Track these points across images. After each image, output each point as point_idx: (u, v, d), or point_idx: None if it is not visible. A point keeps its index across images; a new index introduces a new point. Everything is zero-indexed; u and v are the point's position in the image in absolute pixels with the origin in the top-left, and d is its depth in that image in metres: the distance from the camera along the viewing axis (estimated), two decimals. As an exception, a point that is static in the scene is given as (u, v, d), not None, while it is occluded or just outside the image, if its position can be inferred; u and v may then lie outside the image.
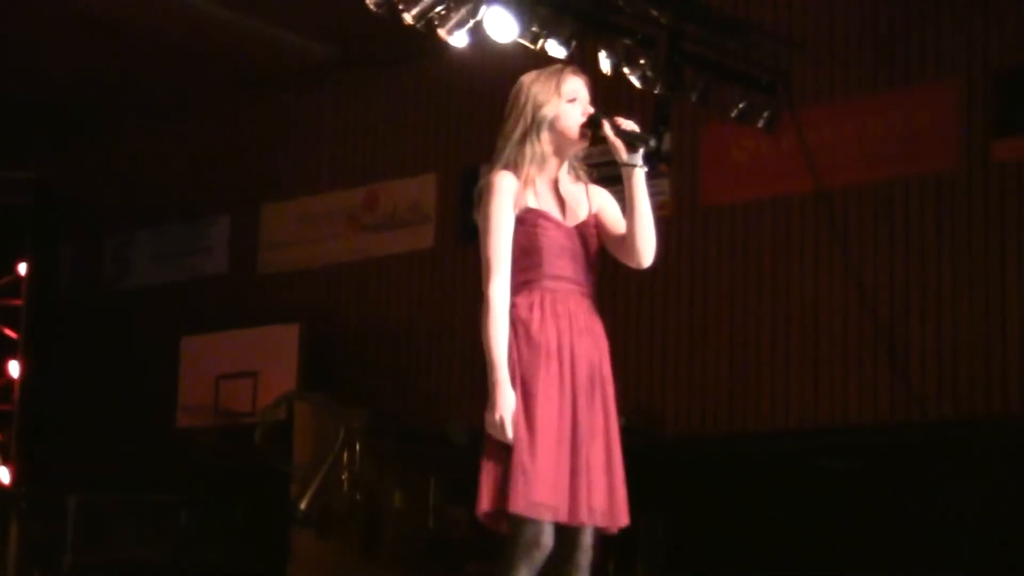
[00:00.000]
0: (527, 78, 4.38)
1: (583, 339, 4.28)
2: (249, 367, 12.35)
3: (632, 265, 4.37)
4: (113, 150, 14.52)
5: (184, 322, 13.17)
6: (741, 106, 9.68)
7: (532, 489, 4.07)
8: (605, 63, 8.96)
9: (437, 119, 12.47)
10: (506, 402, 4.12)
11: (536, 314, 4.23)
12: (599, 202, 4.40)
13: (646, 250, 4.36)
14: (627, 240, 4.34)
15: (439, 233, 12.27)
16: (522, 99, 4.33)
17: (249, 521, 11.73)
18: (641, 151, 4.25)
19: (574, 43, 8.80)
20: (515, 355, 4.19)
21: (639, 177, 4.28)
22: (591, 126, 4.28)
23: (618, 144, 4.27)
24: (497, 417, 4.12)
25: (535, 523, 4.10)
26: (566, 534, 4.19)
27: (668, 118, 9.75)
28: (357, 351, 12.50)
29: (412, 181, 12.54)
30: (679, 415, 10.78)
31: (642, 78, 9.17)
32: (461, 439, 10.49)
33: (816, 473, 10.41)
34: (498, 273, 4.22)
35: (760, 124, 9.83)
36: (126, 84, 13.37)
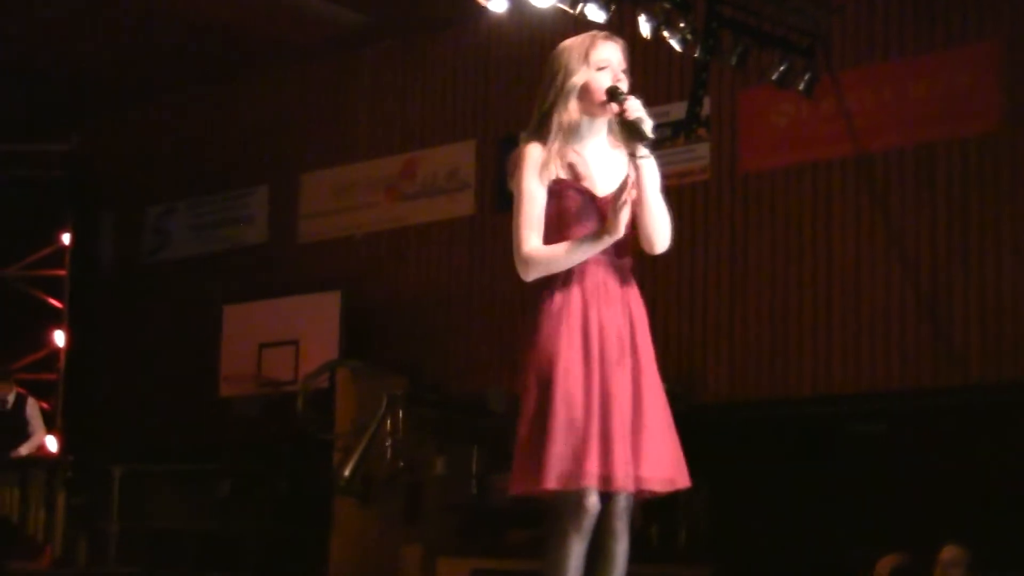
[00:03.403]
0: (561, 46, 4.34)
1: (613, 309, 4.25)
2: (290, 336, 12.40)
3: (645, 250, 4.32)
4: (152, 122, 14.58)
5: (225, 291, 13.23)
6: (780, 70, 9.64)
7: (560, 461, 4.08)
8: (645, 27, 8.93)
9: (475, 86, 12.45)
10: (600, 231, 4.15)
11: (560, 290, 4.22)
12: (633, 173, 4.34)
13: (657, 239, 4.29)
14: (638, 227, 4.29)
15: (479, 200, 12.27)
16: (554, 67, 4.30)
17: (292, 489, 11.79)
18: (643, 142, 4.17)
19: (613, 7, 8.77)
20: (540, 333, 4.20)
21: (645, 167, 4.20)
22: (608, 98, 4.22)
23: (621, 130, 4.23)
24: (617, 220, 4.11)
25: (577, 489, 4.11)
26: (601, 501, 4.19)
27: (707, 82, 9.73)
28: (397, 319, 12.53)
29: (451, 148, 12.53)
30: (720, 381, 10.77)
31: (681, 42, 9.14)
32: (500, 406, 10.52)
33: (859, 438, 10.39)
34: (528, 239, 4.20)
35: (800, 88, 9.78)
36: (164, 56, 13.41)
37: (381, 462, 10.66)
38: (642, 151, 4.19)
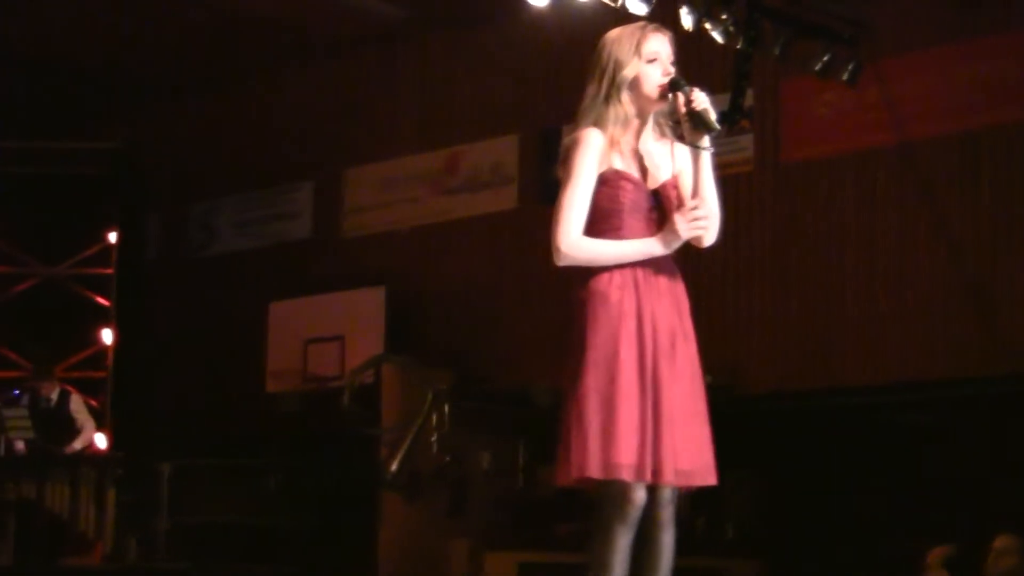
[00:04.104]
0: (609, 36, 4.35)
1: (664, 301, 4.26)
2: (336, 331, 12.44)
3: (693, 243, 4.33)
4: (197, 118, 14.65)
5: (271, 287, 13.29)
6: (823, 60, 9.60)
7: (613, 451, 4.09)
8: (686, 19, 8.91)
9: (517, 80, 12.45)
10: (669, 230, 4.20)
11: (615, 280, 4.22)
12: (681, 164, 4.35)
13: (708, 232, 4.31)
14: None
15: (522, 194, 12.27)
16: (603, 59, 4.30)
17: (338, 484, 11.84)
18: (711, 133, 4.18)
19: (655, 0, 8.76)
20: (596, 325, 4.20)
21: (704, 158, 4.23)
22: (671, 90, 4.24)
23: (686, 121, 4.23)
24: (682, 232, 4.19)
25: (623, 480, 4.12)
26: (647, 491, 4.20)
27: (749, 73, 9.70)
28: (442, 313, 12.55)
29: (493, 143, 12.54)
30: (765, 372, 10.74)
31: (723, 33, 9.12)
32: (545, 401, 10.53)
33: (906, 428, 10.34)
34: (569, 223, 4.20)
35: (843, 77, 9.74)
36: (209, 53, 13.47)
37: (427, 456, 10.69)
38: (705, 142, 4.20)
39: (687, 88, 4.19)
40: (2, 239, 14.08)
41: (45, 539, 11.12)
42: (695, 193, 4.25)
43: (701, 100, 4.18)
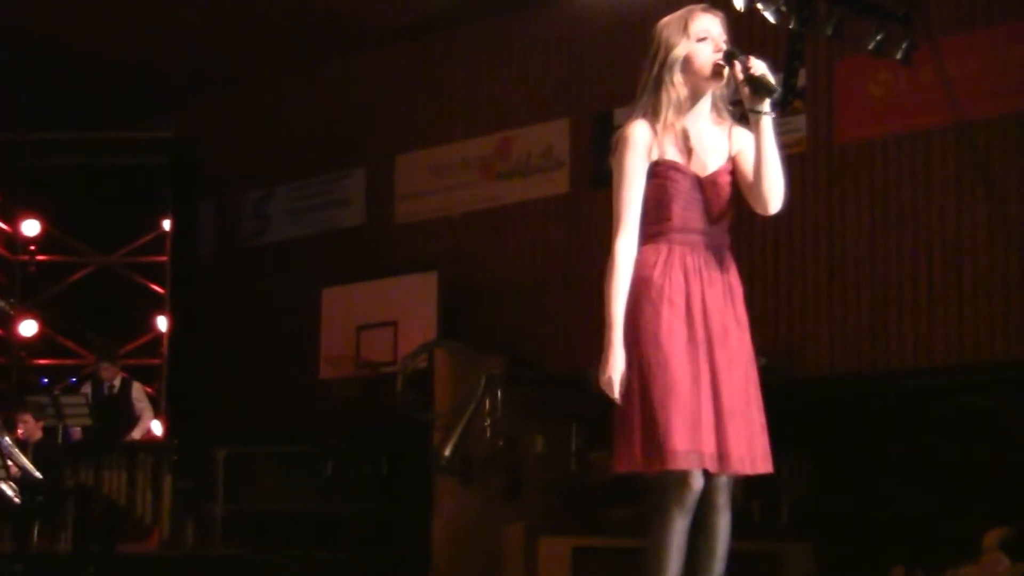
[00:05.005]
0: (661, 22, 4.36)
1: (714, 289, 4.25)
2: (389, 317, 12.47)
3: (759, 211, 4.33)
4: (249, 107, 14.71)
5: (324, 274, 13.34)
6: (877, 39, 9.51)
7: (670, 439, 4.08)
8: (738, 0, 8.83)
9: (568, 64, 12.42)
10: (616, 363, 4.20)
11: (660, 268, 4.22)
12: (739, 145, 4.34)
13: (772, 198, 4.30)
14: (754, 187, 4.28)
15: (574, 178, 12.25)
16: (655, 43, 4.31)
17: (392, 470, 11.87)
18: (772, 94, 4.16)
19: (705, -19, 8.69)
20: (640, 312, 4.19)
21: (765, 123, 4.20)
22: (726, 62, 4.22)
23: (745, 88, 4.21)
24: (606, 377, 4.21)
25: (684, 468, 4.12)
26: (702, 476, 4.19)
27: (802, 53, 9.62)
28: (494, 298, 12.56)
29: (545, 127, 12.52)
30: (820, 355, 10.68)
31: (776, 13, 9.04)
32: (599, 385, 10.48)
33: (962, 411, 10.25)
34: (626, 228, 4.23)
35: (897, 56, 9.64)
36: (260, 42, 13.52)
37: (481, 441, 10.69)
38: (766, 107, 4.17)
39: (743, 56, 4.18)
40: (58, 228, 14.20)
41: (103, 525, 11.22)
42: (758, 162, 4.23)
43: (759, 66, 4.16)
